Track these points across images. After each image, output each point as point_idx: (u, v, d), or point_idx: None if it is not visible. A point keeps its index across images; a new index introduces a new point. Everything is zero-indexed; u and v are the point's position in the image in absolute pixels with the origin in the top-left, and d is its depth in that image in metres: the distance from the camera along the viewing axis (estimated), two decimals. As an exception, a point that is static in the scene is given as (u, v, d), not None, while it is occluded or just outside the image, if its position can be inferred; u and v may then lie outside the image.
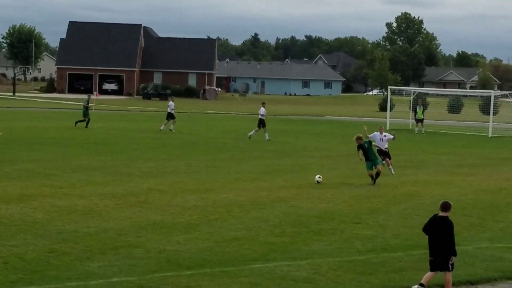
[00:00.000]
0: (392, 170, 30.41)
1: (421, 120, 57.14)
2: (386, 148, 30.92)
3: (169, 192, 24.27)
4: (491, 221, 21.28)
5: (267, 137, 44.96)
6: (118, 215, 20.19)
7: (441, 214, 14.25)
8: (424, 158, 37.45)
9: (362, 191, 26.00)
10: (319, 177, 27.52)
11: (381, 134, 30.99)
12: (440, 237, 14.13)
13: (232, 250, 16.68)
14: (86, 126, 49.69)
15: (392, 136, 31.33)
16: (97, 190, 24.04)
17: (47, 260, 15.36)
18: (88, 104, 51.25)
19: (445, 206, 14.26)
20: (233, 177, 28.53)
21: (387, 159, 30.62)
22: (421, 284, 14.21)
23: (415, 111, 58.10)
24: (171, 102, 51.35)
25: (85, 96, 57.35)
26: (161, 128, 49.65)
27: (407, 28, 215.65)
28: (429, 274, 14.29)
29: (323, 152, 39.44)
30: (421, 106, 58.02)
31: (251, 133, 45.76)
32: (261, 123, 46.11)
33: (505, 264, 16.41)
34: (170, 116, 50.28)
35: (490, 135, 56.62)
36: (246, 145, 41.08)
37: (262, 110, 46.50)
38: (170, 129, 49.25)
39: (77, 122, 50.53)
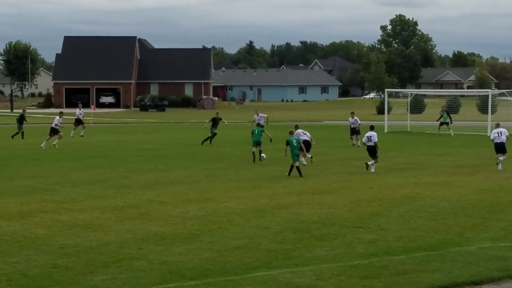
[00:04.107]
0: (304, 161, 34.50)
1: (446, 123, 57.19)
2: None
3: (169, 203, 24.25)
4: (493, 221, 21.26)
5: (354, 143, 46.70)
6: (119, 228, 20.17)
7: None
8: (424, 160, 37.45)
9: (362, 195, 25.99)
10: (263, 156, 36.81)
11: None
12: None
13: (235, 259, 16.66)
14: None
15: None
16: (97, 204, 24.03)
17: (50, 275, 15.33)
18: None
19: None
20: (233, 185, 28.53)
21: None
22: None
23: (440, 116, 58.31)
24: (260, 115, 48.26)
25: (83, 110, 57.47)
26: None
27: (402, 30, 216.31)
28: None
29: (322, 157, 39.39)
30: (445, 111, 58.18)
31: (355, 142, 46.55)
32: (352, 131, 47.17)
33: (508, 264, 16.36)
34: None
35: (489, 134, 56.56)
36: (243, 153, 41.04)
37: (352, 119, 47.28)
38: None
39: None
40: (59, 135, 46.63)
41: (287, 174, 31.28)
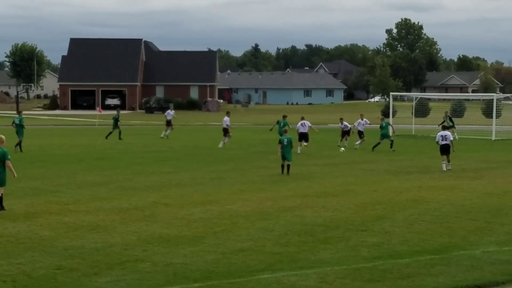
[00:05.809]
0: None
1: (450, 127, 57.30)
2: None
3: (174, 205, 24.28)
4: (498, 225, 21.26)
5: (344, 146, 47.93)
6: (124, 229, 20.20)
7: None
8: (428, 163, 37.43)
9: (366, 198, 26.00)
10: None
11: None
12: None
13: (239, 262, 16.68)
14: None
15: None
16: (102, 206, 24.07)
17: (55, 277, 15.37)
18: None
19: None
20: (238, 188, 28.55)
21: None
22: None
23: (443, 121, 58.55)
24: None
25: (89, 112, 57.64)
26: None
27: (407, 34, 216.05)
28: None
29: (327, 160, 39.44)
30: (447, 117, 58.35)
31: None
32: (344, 134, 50.01)
33: (512, 267, 16.37)
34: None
35: (493, 138, 56.60)
36: (249, 156, 41.09)
37: (342, 125, 50.24)
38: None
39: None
40: (229, 135, 47.62)
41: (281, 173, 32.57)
